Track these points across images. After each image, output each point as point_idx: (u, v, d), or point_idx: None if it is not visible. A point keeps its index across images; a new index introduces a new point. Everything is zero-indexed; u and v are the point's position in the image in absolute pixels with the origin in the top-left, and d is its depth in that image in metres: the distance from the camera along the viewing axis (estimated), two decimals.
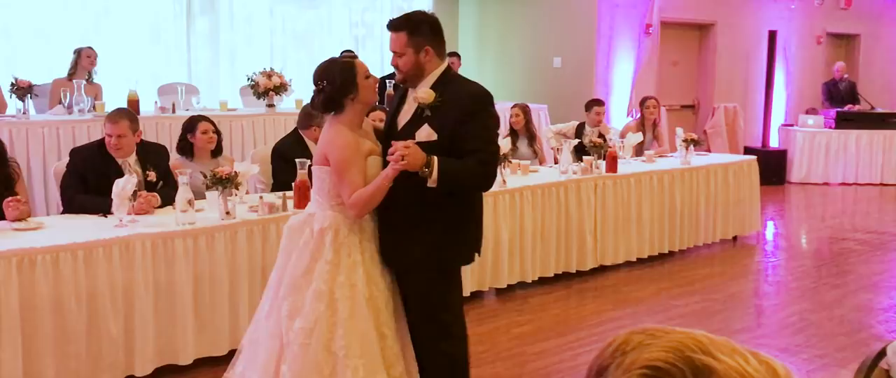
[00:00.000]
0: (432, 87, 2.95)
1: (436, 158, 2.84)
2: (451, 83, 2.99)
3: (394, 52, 2.99)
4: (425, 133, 2.92)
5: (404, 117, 3.03)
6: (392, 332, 3.03)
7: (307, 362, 2.94)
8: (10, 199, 3.87)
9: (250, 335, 3.18)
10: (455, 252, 3.06)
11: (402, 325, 3.11)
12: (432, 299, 3.06)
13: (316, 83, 3.00)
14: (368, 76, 3.01)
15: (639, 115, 7.55)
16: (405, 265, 3.07)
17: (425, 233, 2.97)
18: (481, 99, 2.95)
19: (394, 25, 2.99)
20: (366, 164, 2.95)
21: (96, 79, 6.75)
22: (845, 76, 11.27)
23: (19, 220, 3.86)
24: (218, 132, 4.98)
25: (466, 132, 2.88)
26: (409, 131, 2.95)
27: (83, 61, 6.60)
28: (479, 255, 3.22)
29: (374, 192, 2.90)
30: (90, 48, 6.71)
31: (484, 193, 3.18)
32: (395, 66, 3.01)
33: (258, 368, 3.06)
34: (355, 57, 7.89)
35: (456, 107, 2.90)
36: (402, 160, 2.79)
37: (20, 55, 7.30)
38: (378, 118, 5.54)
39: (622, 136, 6.71)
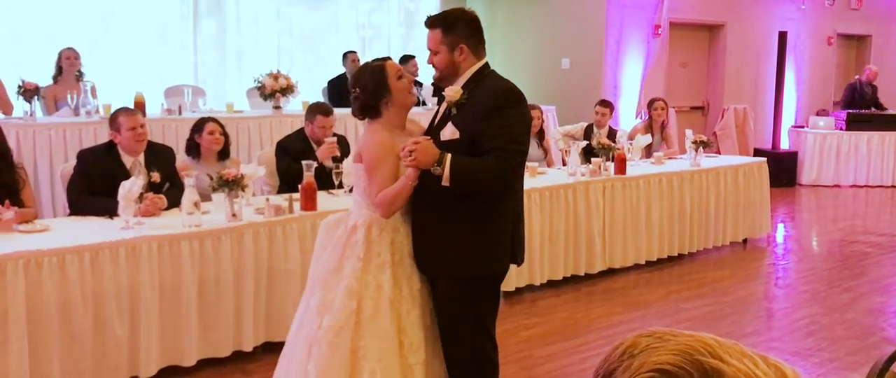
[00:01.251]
0: (464, 86, 2.88)
1: (449, 155, 2.75)
2: (483, 80, 2.89)
3: (429, 49, 2.94)
4: (449, 131, 2.85)
5: (439, 117, 2.98)
6: (413, 341, 2.91)
7: (334, 362, 2.86)
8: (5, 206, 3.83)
9: (290, 334, 3.16)
10: (481, 259, 2.88)
11: (430, 337, 2.97)
12: (458, 310, 2.92)
13: (351, 91, 3.00)
14: (401, 76, 2.94)
15: (647, 116, 7.51)
16: (433, 272, 2.96)
17: (450, 238, 2.87)
18: (506, 95, 2.83)
19: (429, 22, 2.93)
20: (399, 165, 2.88)
21: (94, 78, 6.69)
22: (873, 80, 11.12)
23: (25, 222, 3.85)
24: (226, 135, 4.97)
25: (487, 130, 2.76)
26: (438, 131, 2.88)
27: (64, 63, 6.53)
28: (517, 265, 3.02)
29: (397, 192, 2.83)
30: (71, 49, 6.62)
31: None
32: (431, 64, 2.97)
33: (294, 369, 3.01)
34: (382, 58, 7.89)
35: (480, 104, 2.81)
36: (411, 156, 2.73)
37: (27, 57, 7.32)
38: None
39: (630, 137, 6.67)
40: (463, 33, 2.88)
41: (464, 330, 2.93)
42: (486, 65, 2.94)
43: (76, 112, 6.08)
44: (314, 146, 5.11)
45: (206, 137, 4.84)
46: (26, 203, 4.12)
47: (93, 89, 6.46)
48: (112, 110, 4.93)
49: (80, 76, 6.54)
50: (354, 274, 2.88)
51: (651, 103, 7.41)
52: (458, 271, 2.89)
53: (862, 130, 10.34)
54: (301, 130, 5.24)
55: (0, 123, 5.57)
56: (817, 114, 11.07)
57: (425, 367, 2.94)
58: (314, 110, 5.18)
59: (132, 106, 5.76)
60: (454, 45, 2.87)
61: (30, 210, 4.09)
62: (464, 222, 2.85)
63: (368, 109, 2.95)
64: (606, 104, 7.19)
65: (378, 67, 2.96)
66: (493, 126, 2.76)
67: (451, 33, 2.87)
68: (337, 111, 7.26)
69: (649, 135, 6.95)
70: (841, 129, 10.41)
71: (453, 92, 2.86)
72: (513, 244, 2.93)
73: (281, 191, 4.98)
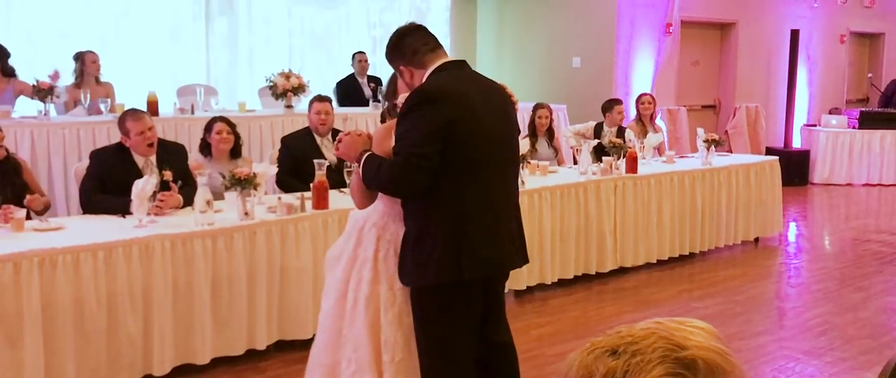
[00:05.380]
0: None
1: (366, 153, 2.78)
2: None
3: None
4: (394, 139, 2.82)
5: None
6: (388, 339, 2.88)
7: (321, 344, 3.06)
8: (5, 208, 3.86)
9: None
10: (419, 271, 2.75)
11: (413, 338, 2.91)
12: (415, 318, 2.86)
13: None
14: None
15: (636, 113, 7.58)
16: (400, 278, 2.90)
17: (403, 246, 2.82)
18: (411, 98, 2.72)
19: None
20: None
21: (107, 78, 6.71)
22: None
23: (40, 211, 3.95)
24: (236, 134, 5.01)
25: (397, 135, 2.71)
26: None
27: (88, 67, 6.54)
28: (461, 279, 2.72)
29: (353, 186, 2.96)
30: (92, 52, 6.62)
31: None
32: None
33: None
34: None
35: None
36: (338, 146, 2.91)
37: (42, 57, 7.36)
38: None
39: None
40: (397, 58, 2.87)
41: (420, 339, 2.86)
42: (441, 66, 2.82)
43: (90, 112, 6.13)
44: (318, 139, 5.28)
45: (215, 137, 4.91)
46: (31, 185, 4.29)
47: (101, 89, 6.50)
48: (122, 111, 4.99)
49: (98, 81, 6.60)
50: (342, 265, 2.99)
51: (639, 99, 7.56)
52: (403, 280, 2.84)
53: (875, 129, 10.28)
54: (306, 129, 5.39)
55: (16, 122, 5.64)
56: (830, 112, 11.01)
57: (400, 366, 2.90)
58: (311, 100, 5.46)
59: (145, 105, 5.81)
60: (399, 72, 2.91)
61: (42, 198, 4.25)
62: (408, 231, 2.80)
63: (390, 110, 3.13)
64: (620, 102, 7.26)
65: (394, 75, 3.07)
66: (400, 131, 2.71)
67: (393, 63, 2.91)
68: (346, 110, 7.34)
69: (661, 134, 6.95)
70: (853, 127, 10.35)
71: (401, 100, 2.87)
72: (459, 255, 2.71)
73: (277, 178, 5.03)
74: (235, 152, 5.00)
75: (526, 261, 3.05)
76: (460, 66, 2.89)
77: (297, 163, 5.05)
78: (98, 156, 4.41)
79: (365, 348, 2.90)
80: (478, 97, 2.78)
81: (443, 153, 2.64)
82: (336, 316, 2.98)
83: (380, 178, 2.73)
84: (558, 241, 5.38)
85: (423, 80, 2.82)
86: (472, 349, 2.90)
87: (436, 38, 2.89)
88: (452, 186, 2.70)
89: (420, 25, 2.93)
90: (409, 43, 2.84)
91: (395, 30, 2.94)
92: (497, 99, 2.90)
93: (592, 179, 5.60)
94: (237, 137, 5.02)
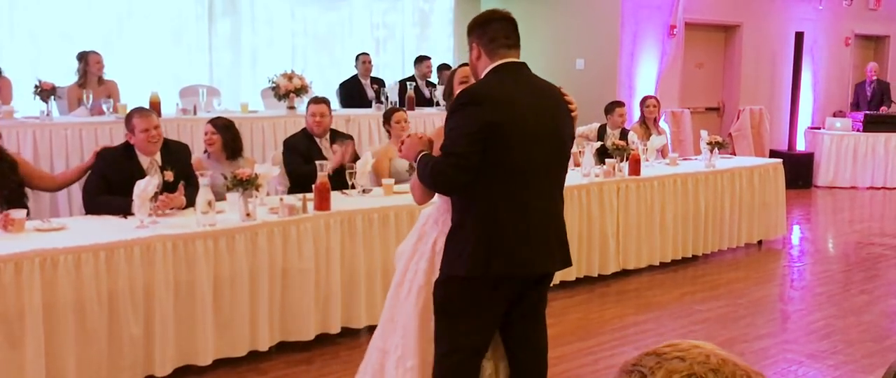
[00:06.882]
0: None
1: (423, 153, 2.87)
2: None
3: None
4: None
5: None
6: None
7: (382, 325, 3.15)
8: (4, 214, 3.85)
9: None
10: (451, 261, 2.85)
11: None
12: (434, 305, 2.92)
13: None
14: (465, 81, 3.05)
15: (640, 115, 7.59)
16: None
17: (448, 233, 2.91)
18: (457, 98, 2.84)
19: None
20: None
21: (110, 79, 6.71)
22: (875, 78, 11.09)
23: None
24: (231, 135, 5.02)
25: (445, 133, 2.81)
26: None
27: (92, 67, 6.54)
28: (488, 274, 2.79)
29: (412, 182, 2.99)
30: (96, 53, 6.61)
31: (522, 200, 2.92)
32: None
33: None
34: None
35: None
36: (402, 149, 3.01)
37: (44, 57, 7.37)
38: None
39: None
40: (474, 34, 2.91)
41: (435, 327, 2.92)
42: (500, 66, 2.86)
43: (92, 112, 6.12)
44: (317, 140, 5.33)
45: (203, 137, 5.00)
46: (33, 178, 4.34)
47: (104, 89, 6.50)
48: (126, 110, 4.99)
49: (101, 81, 6.60)
50: (404, 258, 3.09)
51: (644, 101, 7.55)
52: (441, 269, 2.91)
53: (879, 132, 10.25)
54: (304, 130, 5.43)
55: (18, 122, 5.64)
56: (834, 115, 10.99)
57: None
58: (308, 102, 5.53)
59: (148, 106, 5.81)
60: (470, 46, 2.93)
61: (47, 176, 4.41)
62: (452, 223, 2.88)
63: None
64: (622, 104, 7.26)
65: (452, 72, 3.24)
66: (445, 129, 2.81)
67: (470, 36, 2.93)
68: (348, 112, 7.33)
69: (664, 136, 6.95)
70: (858, 130, 10.32)
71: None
72: (490, 252, 2.78)
73: (292, 190, 5.03)
74: (234, 152, 5.01)
75: (566, 264, 3.05)
76: (519, 68, 2.92)
77: (303, 159, 5.14)
78: (104, 155, 4.43)
79: (412, 336, 3.00)
80: (527, 101, 2.83)
81: (482, 153, 2.71)
82: (392, 304, 3.10)
83: (424, 175, 2.84)
84: None
85: (484, 72, 2.88)
86: (483, 346, 2.96)
87: (518, 37, 2.93)
88: (488, 186, 2.77)
89: (512, 18, 2.95)
90: (495, 29, 2.89)
91: (490, 8, 3.01)
92: (548, 103, 2.92)
93: (595, 181, 5.59)
94: (232, 138, 5.03)
